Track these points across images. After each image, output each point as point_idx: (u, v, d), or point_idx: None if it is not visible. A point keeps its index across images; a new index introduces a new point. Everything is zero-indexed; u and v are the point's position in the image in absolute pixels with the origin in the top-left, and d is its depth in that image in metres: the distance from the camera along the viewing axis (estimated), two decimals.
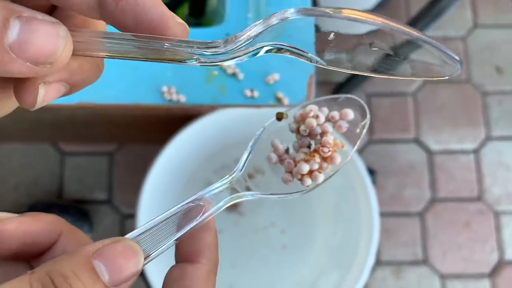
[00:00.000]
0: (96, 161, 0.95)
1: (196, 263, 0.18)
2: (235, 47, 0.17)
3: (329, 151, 0.21)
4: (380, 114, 1.00)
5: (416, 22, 0.73)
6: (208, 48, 0.17)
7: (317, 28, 0.18)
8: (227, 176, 0.21)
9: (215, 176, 0.86)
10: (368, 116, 0.22)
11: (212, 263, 0.19)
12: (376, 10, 1.05)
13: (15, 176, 0.93)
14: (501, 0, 1.08)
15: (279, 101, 0.35)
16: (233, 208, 0.86)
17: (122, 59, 0.17)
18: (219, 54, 0.18)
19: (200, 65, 0.18)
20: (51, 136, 0.92)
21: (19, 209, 0.89)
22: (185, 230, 0.19)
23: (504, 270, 0.94)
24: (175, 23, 0.17)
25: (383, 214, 0.96)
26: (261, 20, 0.18)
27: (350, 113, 0.21)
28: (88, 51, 0.16)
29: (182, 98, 0.38)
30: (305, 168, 0.21)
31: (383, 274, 0.94)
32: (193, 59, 0.17)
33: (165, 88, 0.38)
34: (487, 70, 1.04)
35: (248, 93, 0.36)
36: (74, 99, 0.41)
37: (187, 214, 0.19)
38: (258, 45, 0.18)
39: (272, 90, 0.36)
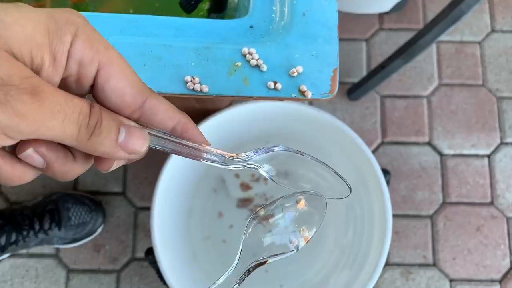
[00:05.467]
0: None
1: None
2: (236, 163, 0.27)
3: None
4: (394, 116, 1.00)
5: (433, 26, 0.73)
6: (222, 159, 0.27)
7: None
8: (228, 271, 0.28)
9: (227, 172, 0.87)
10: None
11: None
12: (392, 13, 1.05)
13: None
14: None
15: (302, 94, 0.36)
16: (244, 204, 0.87)
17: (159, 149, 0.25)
18: (227, 164, 0.27)
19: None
20: None
21: (34, 199, 0.90)
22: None
23: None
24: (193, 127, 0.26)
25: (394, 216, 0.96)
26: (254, 150, 0.28)
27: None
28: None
29: (205, 89, 0.38)
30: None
31: (392, 276, 0.94)
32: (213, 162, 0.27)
33: (188, 78, 0.39)
34: (503, 75, 1.04)
35: (271, 85, 0.37)
36: None
37: None
38: (249, 165, 0.28)
39: (296, 83, 0.36)
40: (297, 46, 0.37)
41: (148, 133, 0.24)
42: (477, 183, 0.98)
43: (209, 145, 0.27)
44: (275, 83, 0.36)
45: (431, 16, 1.07)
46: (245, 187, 0.88)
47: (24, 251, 0.90)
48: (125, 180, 0.95)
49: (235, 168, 0.27)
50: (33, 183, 0.94)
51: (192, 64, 0.39)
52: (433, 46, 1.05)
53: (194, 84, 0.38)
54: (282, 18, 0.39)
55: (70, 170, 0.23)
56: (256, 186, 0.87)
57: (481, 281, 0.93)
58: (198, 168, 0.81)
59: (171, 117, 0.25)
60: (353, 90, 0.98)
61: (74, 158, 0.23)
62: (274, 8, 0.39)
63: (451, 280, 0.93)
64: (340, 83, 1.02)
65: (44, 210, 0.85)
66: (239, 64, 0.37)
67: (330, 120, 0.67)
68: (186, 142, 0.26)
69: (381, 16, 1.07)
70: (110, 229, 0.93)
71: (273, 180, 0.29)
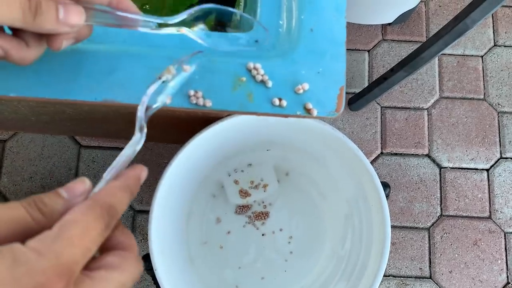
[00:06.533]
0: (111, 156, 0.96)
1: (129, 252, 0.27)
2: (168, 27, 0.33)
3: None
4: (394, 127, 1.00)
5: (437, 39, 0.74)
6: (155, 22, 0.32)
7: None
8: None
9: (227, 178, 0.87)
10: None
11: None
12: (395, 25, 1.06)
13: (31, 167, 0.95)
14: None
15: (308, 112, 0.36)
16: (242, 210, 0.87)
17: (102, 25, 0.31)
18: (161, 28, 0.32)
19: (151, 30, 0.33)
20: (69, 131, 0.93)
21: None
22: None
23: None
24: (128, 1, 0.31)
25: (391, 227, 0.96)
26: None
27: None
28: (87, 21, 0.30)
29: (208, 103, 0.38)
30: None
31: (388, 287, 0.94)
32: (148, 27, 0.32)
33: (191, 92, 0.39)
34: (505, 90, 1.04)
35: (276, 101, 0.37)
36: (99, 97, 0.42)
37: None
38: (181, 26, 0.33)
39: (301, 100, 0.36)
40: (304, 62, 0.37)
41: (89, 8, 0.29)
42: (475, 197, 0.98)
43: (141, 14, 0.32)
44: (280, 99, 0.36)
45: (434, 28, 1.07)
46: (244, 194, 0.88)
47: None
48: None
49: (169, 32, 0.33)
50: (32, 183, 0.94)
51: (196, 77, 0.39)
52: (435, 59, 1.05)
53: (198, 98, 0.38)
54: (289, 33, 0.39)
55: (26, 55, 0.29)
56: (254, 193, 0.87)
57: None
58: (198, 174, 0.81)
59: None
60: (354, 101, 0.98)
61: (27, 45, 0.29)
62: (280, 22, 0.39)
63: None
64: None
65: None
66: (244, 79, 0.37)
67: (331, 131, 0.67)
68: (122, 13, 0.31)
69: (384, 27, 1.07)
70: None
71: (202, 40, 0.34)
